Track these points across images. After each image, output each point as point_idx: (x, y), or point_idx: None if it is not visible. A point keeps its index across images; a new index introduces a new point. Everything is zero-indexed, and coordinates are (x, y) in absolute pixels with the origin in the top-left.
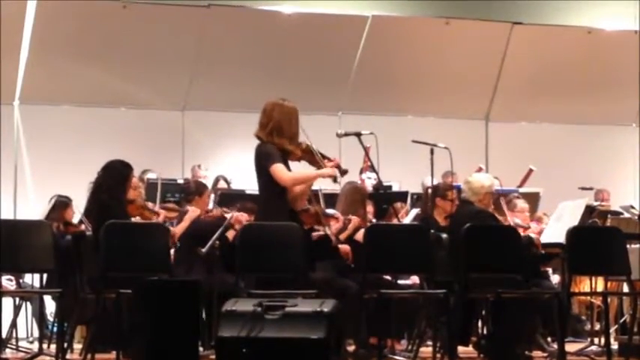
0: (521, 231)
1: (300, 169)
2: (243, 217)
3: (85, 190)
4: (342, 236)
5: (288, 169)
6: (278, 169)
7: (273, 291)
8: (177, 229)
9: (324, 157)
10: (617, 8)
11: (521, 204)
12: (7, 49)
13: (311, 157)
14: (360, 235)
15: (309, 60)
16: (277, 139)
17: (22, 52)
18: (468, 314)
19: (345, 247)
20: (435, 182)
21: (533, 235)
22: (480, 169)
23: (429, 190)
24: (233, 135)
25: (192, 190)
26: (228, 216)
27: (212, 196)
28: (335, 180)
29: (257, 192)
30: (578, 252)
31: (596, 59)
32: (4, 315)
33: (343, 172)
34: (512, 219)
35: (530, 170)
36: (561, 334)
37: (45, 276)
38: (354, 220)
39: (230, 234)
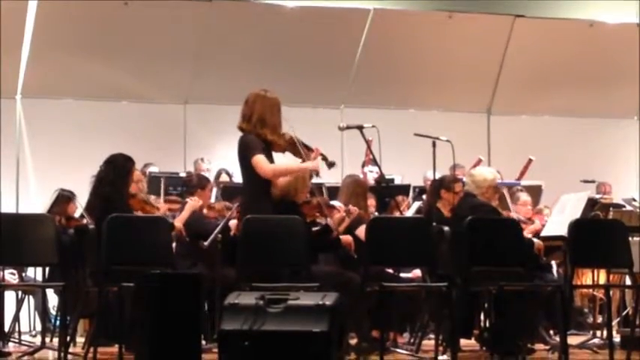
0: (523, 226)
1: (284, 160)
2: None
3: (87, 184)
4: (341, 227)
5: (271, 160)
6: (259, 161)
7: (276, 284)
8: (179, 220)
9: (307, 147)
10: (618, 1)
11: (524, 197)
12: (9, 43)
13: (294, 148)
14: (361, 232)
15: (311, 53)
16: (260, 130)
17: (24, 46)
18: (470, 307)
19: (346, 238)
20: (438, 175)
21: (535, 240)
22: (479, 161)
23: (433, 183)
24: (235, 128)
25: (194, 184)
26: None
27: (214, 189)
28: (317, 174)
29: None
30: (581, 245)
31: (597, 52)
32: (7, 309)
33: (330, 165)
34: (515, 216)
35: (530, 160)
36: (564, 327)
37: (47, 269)
38: (354, 210)
39: (233, 226)
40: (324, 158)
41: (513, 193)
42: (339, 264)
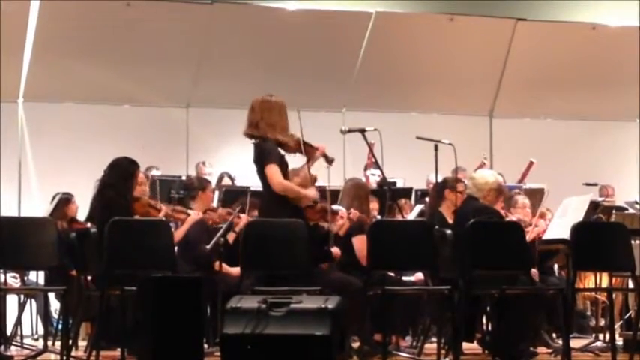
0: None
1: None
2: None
3: (88, 188)
4: (341, 231)
5: (285, 163)
6: (272, 171)
7: (278, 287)
8: (178, 234)
9: (310, 146)
10: (620, 4)
11: (522, 200)
12: (11, 47)
13: (301, 149)
14: (357, 240)
15: (313, 57)
16: (271, 135)
17: (26, 49)
18: (472, 310)
19: (335, 250)
20: (440, 179)
21: None
22: (483, 164)
23: (436, 186)
24: (237, 132)
25: (194, 186)
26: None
27: (216, 192)
28: (315, 203)
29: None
30: (583, 248)
31: (599, 55)
32: (9, 312)
33: (330, 161)
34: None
35: (531, 163)
36: (566, 330)
37: (49, 273)
38: (354, 214)
39: (230, 237)
40: (325, 156)
41: (511, 197)
42: (340, 267)
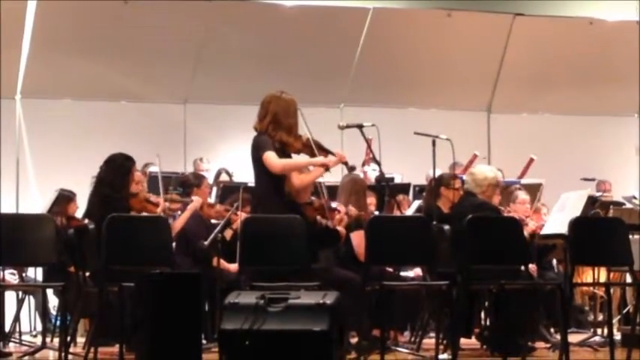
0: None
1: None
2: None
3: (86, 184)
4: (342, 225)
5: (288, 155)
6: (268, 157)
7: (276, 283)
8: (179, 222)
9: (328, 151)
10: None
11: (522, 195)
12: (9, 43)
13: (311, 150)
14: (355, 235)
15: (310, 52)
16: (273, 132)
17: (24, 46)
18: (470, 306)
19: (340, 230)
20: (438, 173)
21: None
22: (474, 157)
23: (432, 181)
24: (235, 128)
25: (190, 182)
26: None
27: (214, 189)
28: (327, 169)
29: None
30: (581, 243)
31: (597, 50)
32: (8, 309)
33: (350, 169)
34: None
35: (531, 159)
36: (564, 325)
37: (47, 270)
38: (351, 210)
39: (227, 233)
40: (345, 163)
41: (511, 192)
42: (339, 263)
